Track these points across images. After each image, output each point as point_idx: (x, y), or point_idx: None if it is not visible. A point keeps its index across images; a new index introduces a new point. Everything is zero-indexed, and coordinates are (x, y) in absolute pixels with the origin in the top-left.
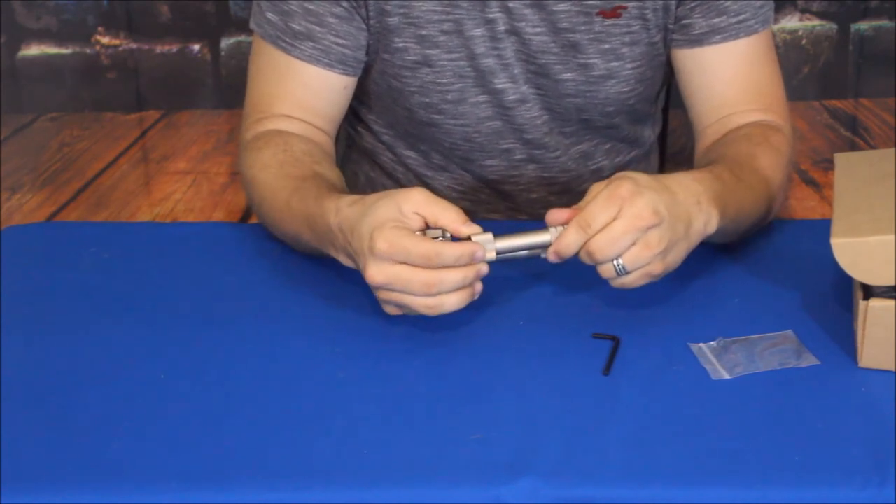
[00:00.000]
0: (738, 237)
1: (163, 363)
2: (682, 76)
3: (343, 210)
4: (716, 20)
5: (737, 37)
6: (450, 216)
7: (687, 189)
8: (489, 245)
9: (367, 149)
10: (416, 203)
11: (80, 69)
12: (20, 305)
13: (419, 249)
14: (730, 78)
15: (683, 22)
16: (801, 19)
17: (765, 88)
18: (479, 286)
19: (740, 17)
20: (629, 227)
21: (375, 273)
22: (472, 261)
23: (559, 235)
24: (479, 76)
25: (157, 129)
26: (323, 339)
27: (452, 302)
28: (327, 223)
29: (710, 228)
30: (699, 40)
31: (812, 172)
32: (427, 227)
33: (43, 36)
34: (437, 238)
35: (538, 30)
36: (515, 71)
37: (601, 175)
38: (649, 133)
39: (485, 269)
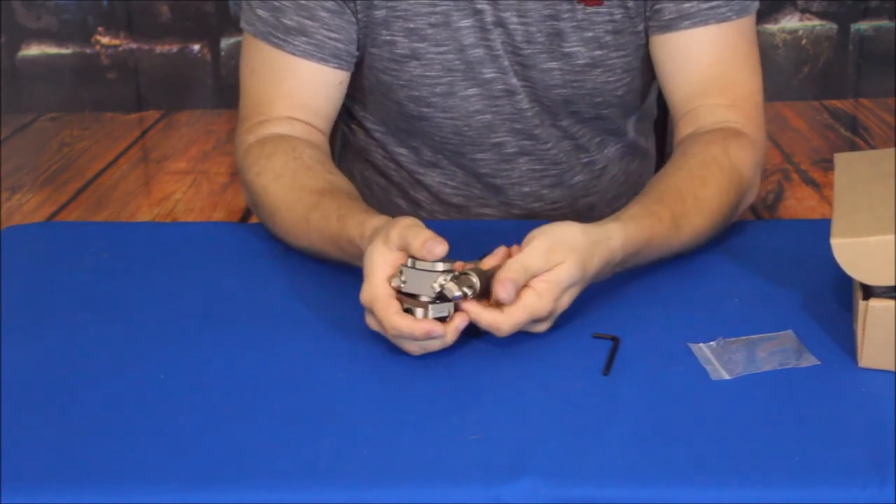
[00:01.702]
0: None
1: (163, 363)
2: (656, 65)
3: (365, 239)
4: (686, 5)
5: (706, 23)
6: (416, 244)
7: (603, 258)
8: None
9: (360, 147)
10: (394, 239)
11: (80, 69)
12: (20, 305)
13: (384, 321)
14: (698, 66)
15: (656, 7)
16: (801, 19)
17: (734, 81)
18: (448, 338)
19: (711, 4)
20: (558, 308)
21: (368, 321)
22: (427, 337)
23: (508, 312)
24: (467, 69)
25: (157, 129)
26: (323, 339)
27: (418, 354)
28: (356, 246)
29: (596, 279)
30: (668, 25)
31: (812, 172)
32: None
33: (43, 36)
34: (437, 270)
35: (523, 19)
36: (504, 62)
37: (593, 168)
38: (644, 126)
39: (435, 343)
